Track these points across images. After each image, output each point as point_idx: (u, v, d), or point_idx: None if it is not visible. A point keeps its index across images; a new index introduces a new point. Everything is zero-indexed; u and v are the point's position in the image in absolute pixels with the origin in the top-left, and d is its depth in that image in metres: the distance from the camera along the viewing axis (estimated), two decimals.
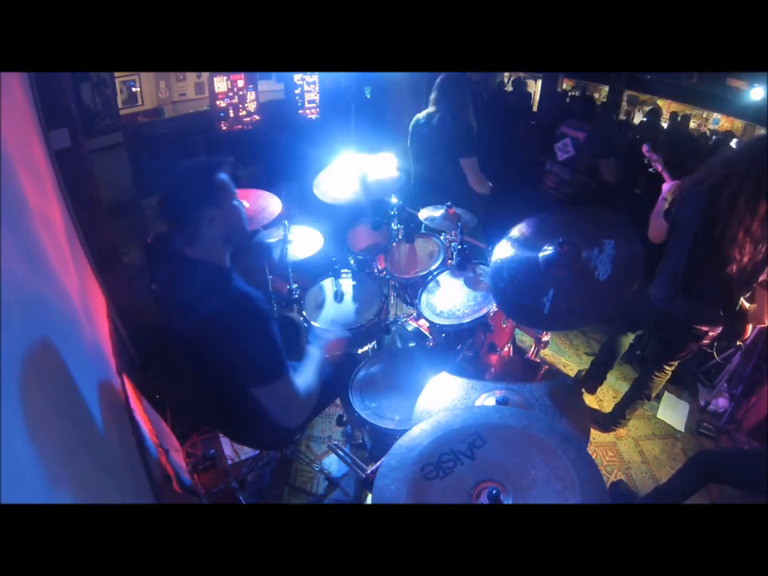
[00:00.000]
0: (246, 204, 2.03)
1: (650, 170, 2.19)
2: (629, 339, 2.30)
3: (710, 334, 1.86)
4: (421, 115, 2.47)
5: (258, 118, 3.89)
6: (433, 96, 2.41)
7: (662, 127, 4.89)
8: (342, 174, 2.10)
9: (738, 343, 2.05)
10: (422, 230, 2.27)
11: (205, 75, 3.74)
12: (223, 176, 1.19)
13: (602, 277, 1.32)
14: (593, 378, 2.46)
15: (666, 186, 1.90)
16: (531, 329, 1.83)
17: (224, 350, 1.14)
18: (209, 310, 1.12)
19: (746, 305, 1.81)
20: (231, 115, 3.75)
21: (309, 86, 4.14)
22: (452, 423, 0.97)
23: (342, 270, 2.10)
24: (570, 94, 6.21)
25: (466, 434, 0.93)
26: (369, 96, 4.40)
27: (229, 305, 1.13)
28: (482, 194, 2.47)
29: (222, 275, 1.19)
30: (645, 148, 2.20)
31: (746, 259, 1.61)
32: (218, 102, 3.65)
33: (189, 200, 1.17)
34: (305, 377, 1.30)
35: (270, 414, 1.21)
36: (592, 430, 2.19)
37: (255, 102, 3.85)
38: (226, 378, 1.23)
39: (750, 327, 1.89)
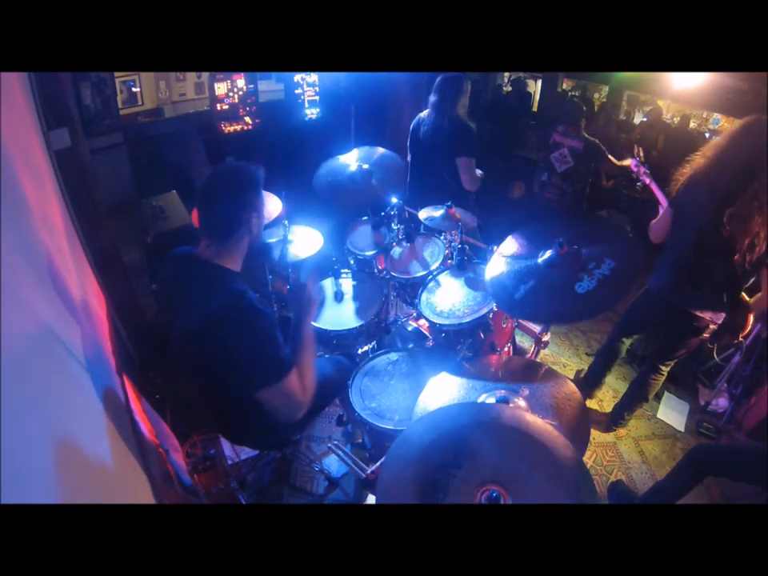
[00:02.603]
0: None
1: (638, 183, 2.20)
2: (626, 345, 2.30)
3: (711, 326, 1.85)
4: (423, 114, 2.49)
5: (258, 117, 3.89)
6: (431, 97, 2.42)
7: (666, 124, 4.88)
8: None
9: (740, 339, 2.03)
10: (422, 230, 2.27)
11: (205, 75, 3.74)
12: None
13: (579, 290, 1.33)
14: (590, 384, 2.45)
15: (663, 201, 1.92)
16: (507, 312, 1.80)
17: (225, 354, 1.13)
18: (211, 313, 1.12)
19: (747, 297, 1.81)
20: (231, 115, 3.75)
21: (309, 86, 4.14)
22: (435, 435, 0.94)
23: (342, 270, 2.10)
24: (570, 93, 6.22)
25: (451, 443, 0.90)
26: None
27: (229, 309, 1.12)
28: (475, 191, 2.49)
29: (228, 277, 1.19)
30: (633, 162, 2.20)
31: (753, 248, 1.61)
32: (218, 105, 3.66)
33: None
34: (301, 370, 1.24)
35: (270, 414, 1.20)
36: (592, 429, 2.19)
37: (255, 103, 3.85)
38: (226, 380, 1.23)
39: (751, 318, 1.88)
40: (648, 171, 2.15)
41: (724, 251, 1.66)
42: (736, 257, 1.63)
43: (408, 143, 2.58)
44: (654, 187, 2.04)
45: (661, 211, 1.94)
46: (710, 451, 1.72)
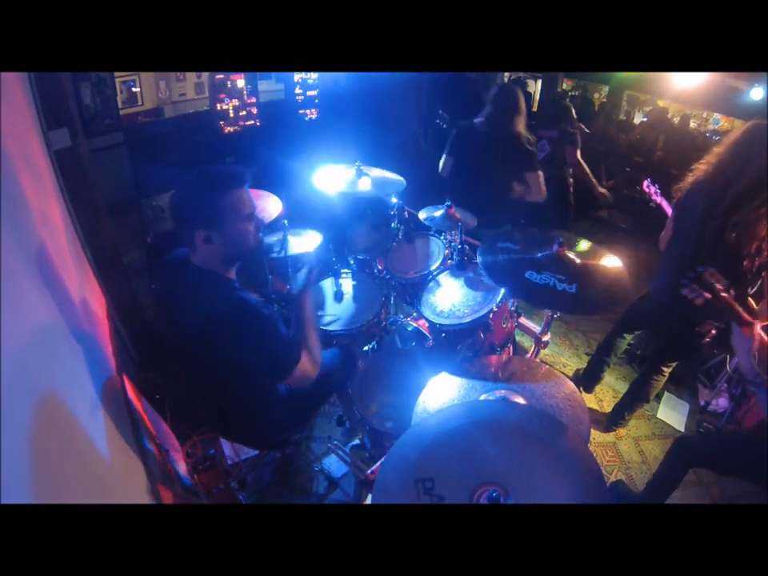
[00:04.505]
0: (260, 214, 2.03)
1: (651, 204, 2.21)
2: (626, 340, 2.30)
3: (712, 332, 1.85)
4: (478, 121, 2.38)
5: (258, 118, 3.89)
6: (488, 107, 2.36)
7: (668, 124, 4.88)
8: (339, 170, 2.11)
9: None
10: (422, 230, 2.27)
11: (205, 75, 3.74)
12: (236, 195, 1.13)
13: (526, 274, 1.44)
14: (590, 378, 2.46)
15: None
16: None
17: (237, 355, 1.15)
18: (213, 317, 1.11)
19: (754, 304, 1.80)
20: (231, 116, 3.75)
21: (309, 87, 4.15)
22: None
23: (342, 270, 2.10)
24: (570, 93, 6.21)
25: (411, 488, 0.83)
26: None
27: (234, 313, 1.12)
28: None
29: (225, 284, 1.19)
30: (645, 183, 2.22)
31: (761, 252, 1.61)
32: (218, 104, 3.66)
33: (184, 217, 1.15)
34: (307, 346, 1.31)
35: (271, 414, 1.25)
36: (592, 430, 2.19)
37: (255, 102, 3.85)
38: (235, 379, 1.25)
39: (758, 326, 1.88)
40: (659, 191, 2.17)
41: (729, 256, 1.65)
42: (745, 263, 1.63)
43: (451, 147, 2.45)
44: (666, 205, 2.06)
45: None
46: (692, 442, 1.73)
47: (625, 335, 2.26)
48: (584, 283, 1.42)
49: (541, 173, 2.38)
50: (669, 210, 2.02)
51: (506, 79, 6.59)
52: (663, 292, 1.91)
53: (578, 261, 1.49)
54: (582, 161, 3.07)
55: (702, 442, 1.73)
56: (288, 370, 1.19)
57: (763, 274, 1.69)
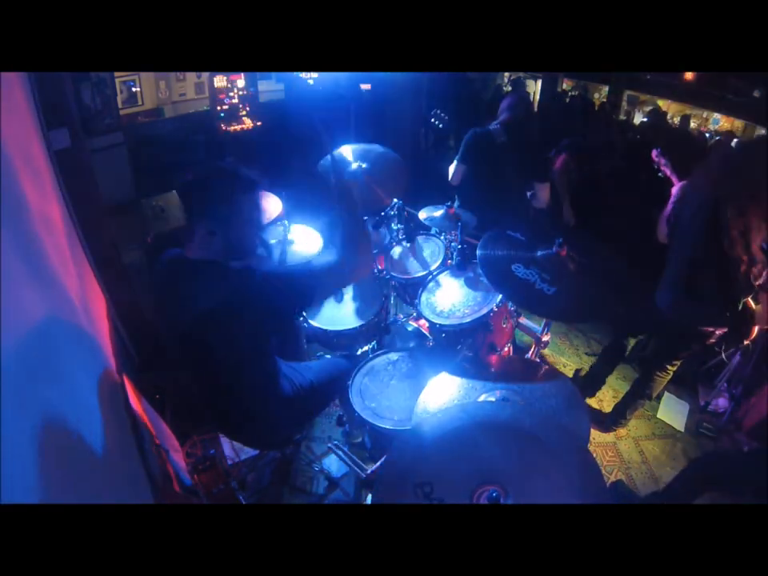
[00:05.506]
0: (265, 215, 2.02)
1: (659, 174, 2.20)
2: (630, 343, 2.30)
3: (716, 332, 1.86)
4: (495, 129, 2.35)
5: (258, 119, 3.90)
6: (503, 115, 2.35)
7: (669, 125, 4.88)
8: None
9: (746, 343, 2.02)
10: (422, 231, 2.27)
11: (205, 75, 3.74)
12: (250, 198, 1.16)
13: (512, 268, 1.50)
14: (591, 384, 2.46)
15: (674, 190, 1.92)
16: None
17: (267, 312, 1.15)
18: (227, 300, 1.10)
19: (753, 305, 1.81)
20: (231, 116, 3.75)
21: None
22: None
23: None
24: (569, 93, 6.21)
25: (410, 494, 0.83)
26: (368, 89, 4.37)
27: (242, 283, 1.13)
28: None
29: (221, 267, 1.18)
30: (654, 153, 2.22)
31: (752, 261, 1.61)
32: (218, 105, 3.66)
33: (196, 204, 1.15)
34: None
35: (273, 413, 1.25)
36: (592, 430, 2.19)
37: (255, 103, 3.86)
38: (243, 371, 1.26)
39: (756, 328, 1.88)
40: (668, 163, 2.15)
41: (722, 267, 1.67)
42: (737, 269, 1.63)
43: (465, 154, 2.42)
44: (675, 179, 2.05)
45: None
46: (709, 463, 1.73)
47: (629, 339, 2.27)
48: (565, 288, 1.42)
49: (548, 184, 2.43)
50: (676, 182, 2.01)
51: (505, 79, 6.60)
52: (668, 306, 1.91)
53: (578, 262, 1.49)
54: (563, 174, 3.06)
55: (719, 465, 1.71)
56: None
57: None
